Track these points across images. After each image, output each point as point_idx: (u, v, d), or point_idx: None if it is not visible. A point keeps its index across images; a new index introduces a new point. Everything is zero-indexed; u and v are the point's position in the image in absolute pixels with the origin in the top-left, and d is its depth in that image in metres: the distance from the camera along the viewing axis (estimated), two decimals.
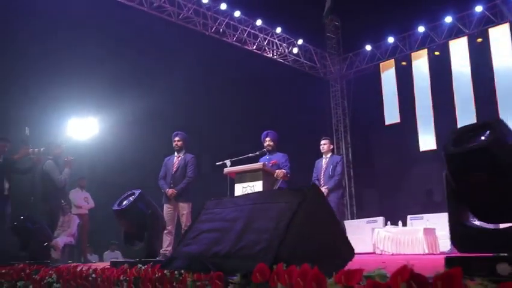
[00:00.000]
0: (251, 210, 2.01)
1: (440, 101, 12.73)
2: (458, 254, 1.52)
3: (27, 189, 6.24)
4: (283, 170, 5.51)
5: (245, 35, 12.85)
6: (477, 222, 1.64)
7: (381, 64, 14.12)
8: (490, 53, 11.91)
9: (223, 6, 12.08)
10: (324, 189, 6.10)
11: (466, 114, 12.05)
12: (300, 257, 1.70)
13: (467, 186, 1.48)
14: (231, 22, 12.48)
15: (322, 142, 6.38)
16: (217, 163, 5.72)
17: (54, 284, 2.77)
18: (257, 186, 5.16)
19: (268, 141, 5.83)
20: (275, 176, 5.38)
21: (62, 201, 6.41)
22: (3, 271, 3.42)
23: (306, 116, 13.43)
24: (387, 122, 13.65)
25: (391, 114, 13.67)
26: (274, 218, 1.84)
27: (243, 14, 12.56)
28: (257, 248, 1.80)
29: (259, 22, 12.93)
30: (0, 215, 5.60)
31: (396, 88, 13.74)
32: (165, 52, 10.99)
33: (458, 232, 1.54)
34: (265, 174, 5.24)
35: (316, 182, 6.30)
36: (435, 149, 12.42)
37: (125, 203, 3.00)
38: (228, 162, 5.62)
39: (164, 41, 11.33)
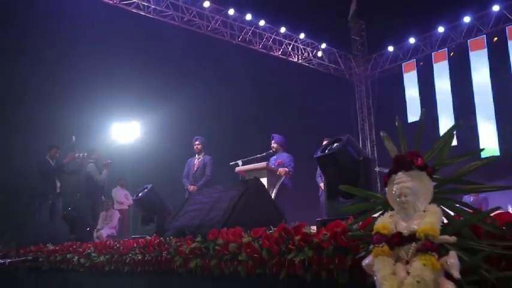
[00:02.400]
0: (217, 196, 2.96)
1: (460, 98, 13.10)
2: (326, 218, 2.40)
3: (74, 188, 7.50)
4: (286, 168, 6.39)
5: (270, 42, 13.70)
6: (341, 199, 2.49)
7: (403, 64, 14.62)
8: (508, 50, 12.20)
9: (249, 16, 12.95)
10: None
11: (485, 111, 12.42)
12: (242, 225, 2.62)
13: (329, 177, 2.36)
14: (257, 31, 13.35)
15: (325, 143, 7.16)
16: (231, 163, 6.67)
17: (92, 254, 3.84)
18: (262, 182, 6.06)
19: (273, 144, 6.72)
20: (278, 173, 6.27)
21: (102, 197, 7.61)
22: (57, 248, 4.56)
23: (332, 117, 14.10)
24: (410, 120, 14.13)
25: (414, 113, 14.15)
26: (227, 201, 2.79)
27: (267, 22, 13.38)
28: (215, 220, 2.76)
29: (283, 29, 13.72)
30: (54, 208, 6.91)
31: (418, 87, 14.21)
32: (195, 61, 11.85)
33: (327, 205, 2.43)
34: (269, 172, 6.15)
35: (319, 178, 7.14)
36: (456, 145, 12.83)
37: (140, 194, 4.06)
38: (239, 162, 6.57)
39: (194, 50, 12.26)
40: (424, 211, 1.44)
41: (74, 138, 7.43)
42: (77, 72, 9.68)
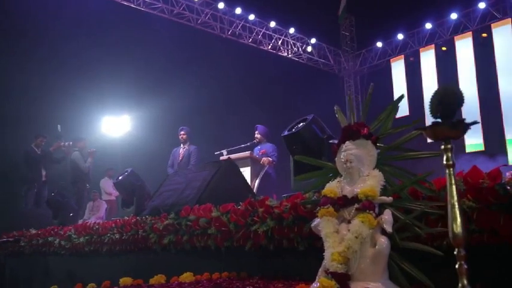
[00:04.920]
0: (191, 176, 3.07)
1: None
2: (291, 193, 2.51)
3: (59, 176, 7.58)
4: (269, 158, 6.47)
5: (260, 36, 13.72)
6: None
7: (392, 60, 14.75)
8: (493, 47, 12.37)
9: (238, 10, 12.96)
10: None
11: (470, 105, 12.58)
12: (214, 202, 2.73)
13: (295, 155, 2.48)
14: (247, 25, 13.36)
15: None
16: (216, 152, 6.75)
17: (72, 235, 3.93)
18: (246, 171, 6.16)
19: (256, 134, 6.81)
20: (261, 162, 6.36)
21: (87, 185, 7.69)
22: (39, 232, 4.64)
23: (321, 111, 14.13)
24: (397, 115, 14.22)
25: (401, 108, 14.25)
26: (201, 180, 2.90)
27: (257, 16, 13.40)
28: (188, 198, 2.86)
29: (272, 24, 13.76)
30: (40, 195, 6.98)
31: (406, 82, 14.35)
32: (185, 54, 11.86)
33: (293, 181, 2.55)
34: (253, 161, 6.24)
35: None
36: None
37: (120, 177, 4.15)
38: (224, 151, 6.65)
39: (184, 44, 12.27)
40: (368, 175, 1.55)
41: (59, 127, 7.52)
42: (68, 68, 9.68)
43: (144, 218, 3.10)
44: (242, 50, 13.41)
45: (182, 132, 7.29)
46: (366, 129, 1.61)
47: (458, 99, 1.10)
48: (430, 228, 1.43)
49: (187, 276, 2.27)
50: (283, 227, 2.06)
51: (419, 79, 13.85)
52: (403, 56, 14.47)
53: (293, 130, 2.53)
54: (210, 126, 11.02)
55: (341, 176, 1.67)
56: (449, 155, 1.10)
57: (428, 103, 1.17)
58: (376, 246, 1.41)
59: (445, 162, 1.12)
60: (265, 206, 2.17)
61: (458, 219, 1.05)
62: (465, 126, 1.10)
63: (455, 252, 1.08)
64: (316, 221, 1.62)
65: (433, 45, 13.69)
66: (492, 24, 12.38)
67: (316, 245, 1.93)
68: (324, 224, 1.53)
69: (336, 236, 1.48)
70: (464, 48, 12.95)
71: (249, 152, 6.38)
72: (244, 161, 6.22)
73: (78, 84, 9.72)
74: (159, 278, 2.23)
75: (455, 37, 13.13)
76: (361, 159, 1.59)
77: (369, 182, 1.51)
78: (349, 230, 1.46)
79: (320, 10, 13.74)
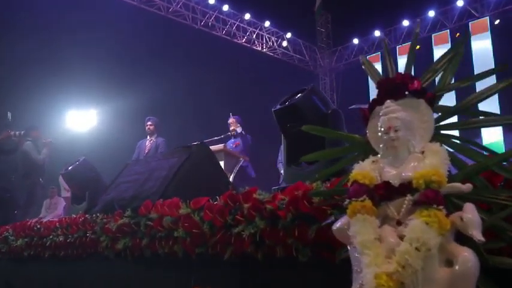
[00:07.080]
0: (155, 164, 2.47)
1: None
2: (283, 185, 1.96)
3: (9, 169, 6.78)
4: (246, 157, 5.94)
5: (234, 29, 13.19)
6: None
7: (368, 58, 14.43)
8: (471, 46, 12.24)
9: (212, 0, 12.40)
10: None
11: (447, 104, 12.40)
12: (184, 196, 2.13)
13: (289, 136, 1.92)
14: (220, 16, 12.82)
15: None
16: (187, 146, 6.15)
17: (10, 237, 3.25)
18: None
19: (232, 126, 6.26)
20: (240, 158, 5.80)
21: (41, 180, 6.92)
22: None
23: None
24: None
25: None
26: (167, 169, 2.31)
27: (231, 8, 12.88)
28: (151, 191, 2.26)
29: (247, 16, 13.25)
30: None
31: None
32: (157, 45, 11.29)
33: (286, 171, 1.99)
34: (226, 155, 5.66)
35: (280, 165, 6.75)
36: None
37: (70, 168, 3.49)
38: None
39: (155, 34, 11.67)
40: (423, 152, 1.00)
41: (9, 115, 6.73)
42: (29, 58, 8.99)
43: (94, 216, 2.48)
44: (215, 42, 12.89)
45: (149, 123, 6.67)
46: (416, 82, 1.06)
47: None
48: None
49: None
50: (278, 229, 1.49)
51: None
52: (379, 53, 14.23)
53: (287, 103, 1.95)
54: (180, 120, 10.49)
55: (375, 154, 1.11)
56: None
57: None
58: (457, 266, 0.83)
59: None
60: (252, 200, 1.60)
61: None
62: None
63: None
64: (342, 220, 1.05)
65: (410, 43, 13.49)
66: (471, 23, 12.24)
67: (323, 256, 1.37)
68: (358, 228, 0.95)
69: (380, 246, 0.91)
70: (442, 46, 12.78)
71: (223, 145, 5.81)
72: (217, 155, 5.65)
73: (35, 75, 9.04)
74: None
75: (433, 35, 12.96)
76: (411, 127, 1.03)
77: (428, 160, 0.96)
78: (401, 238, 0.90)
79: (296, 4, 13.38)
